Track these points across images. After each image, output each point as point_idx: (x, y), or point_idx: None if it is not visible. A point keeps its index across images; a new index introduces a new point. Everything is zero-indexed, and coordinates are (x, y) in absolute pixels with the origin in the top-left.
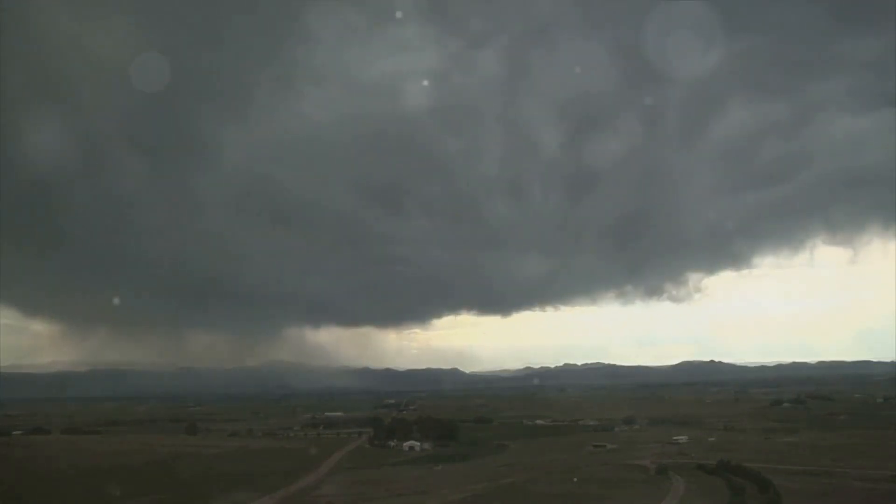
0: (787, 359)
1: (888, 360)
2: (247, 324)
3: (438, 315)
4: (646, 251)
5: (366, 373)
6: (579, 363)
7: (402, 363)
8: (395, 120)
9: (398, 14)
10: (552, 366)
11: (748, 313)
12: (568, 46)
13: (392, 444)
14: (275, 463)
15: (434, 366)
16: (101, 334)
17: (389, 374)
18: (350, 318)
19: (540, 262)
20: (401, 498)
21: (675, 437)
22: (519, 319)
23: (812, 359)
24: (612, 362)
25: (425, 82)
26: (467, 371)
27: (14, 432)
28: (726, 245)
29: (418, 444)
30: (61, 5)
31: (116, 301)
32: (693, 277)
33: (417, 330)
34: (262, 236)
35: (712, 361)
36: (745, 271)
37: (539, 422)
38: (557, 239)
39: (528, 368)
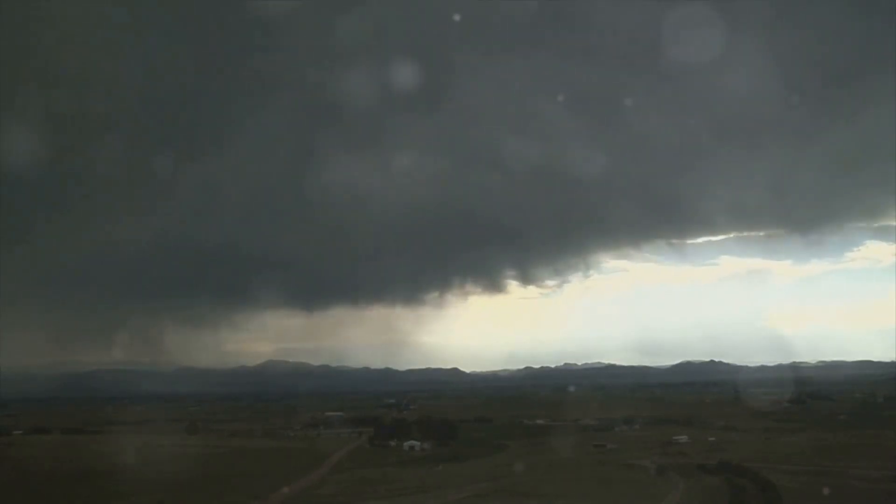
0: (787, 359)
1: (888, 360)
2: None
3: None
4: None
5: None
6: (579, 363)
7: (402, 363)
8: None
9: None
10: (552, 366)
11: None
12: None
13: (392, 443)
14: (275, 462)
15: (434, 366)
16: None
17: (389, 374)
18: None
19: None
20: (402, 497)
21: (675, 437)
22: None
23: (812, 359)
24: (612, 362)
25: None
26: (467, 371)
27: (14, 432)
28: None
29: (418, 443)
30: None
31: None
32: None
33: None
34: None
35: (712, 361)
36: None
37: (539, 422)
38: None
39: (528, 368)
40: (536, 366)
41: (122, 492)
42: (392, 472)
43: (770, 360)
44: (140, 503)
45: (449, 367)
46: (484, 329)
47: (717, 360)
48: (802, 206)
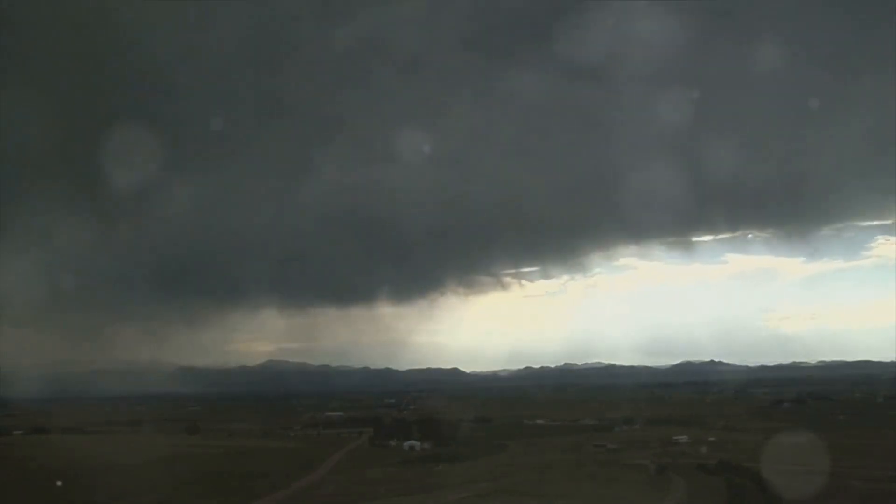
0: (787, 359)
1: (888, 360)
2: None
3: None
4: None
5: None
6: (579, 363)
7: (403, 363)
8: None
9: None
10: (552, 366)
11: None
12: None
13: (392, 443)
14: (275, 462)
15: (434, 366)
16: None
17: (389, 374)
18: None
19: None
20: (402, 497)
21: (675, 437)
22: None
23: (812, 359)
24: (612, 362)
25: None
26: (467, 371)
27: (14, 432)
28: None
29: (418, 443)
30: None
31: None
32: None
33: None
34: None
35: (712, 361)
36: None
37: (539, 421)
38: None
39: (528, 368)
40: (536, 366)
41: (123, 492)
42: (392, 472)
43: (770, 360)
44: (140, 503)
45: (449, 367)
46: (484, 329)
47: (717, 360)
48: (817, 200)
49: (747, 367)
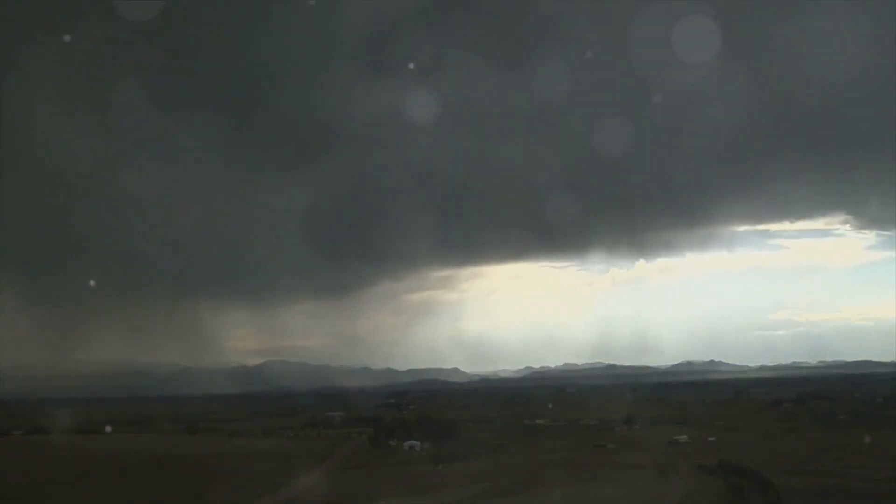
0: (786, 359)
1: (888, 360)
2: None
3: None
4: None
5: None
6: (579, 363)
7: (402, 363)
8: None
9: None
10: (552, 366)
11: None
12: None
13: (392, 443)
14: (275, 462)
15: (434, 365)
16: None
17: (389, 374)
18: None
19: None
20: (402, 497)
21: (675, 437)
22: None
23: (812, 359)
24: (612, 362)
25: None
26: (467, 371)
27: (14, 432)
28: None
29: (418, 443)
30: None
31: None
32: None
33: None
34: None
35: (712, 361)
36: None
37: (539, 421)
38: None
39: (528, 368)
40: (537, 366)
41: (123, 492)
42: (392, 472)
43: (770, 360)
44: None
45: (449, 367)
46: (485, 328)
47: (717, 359)
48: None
49: (747, 366)
